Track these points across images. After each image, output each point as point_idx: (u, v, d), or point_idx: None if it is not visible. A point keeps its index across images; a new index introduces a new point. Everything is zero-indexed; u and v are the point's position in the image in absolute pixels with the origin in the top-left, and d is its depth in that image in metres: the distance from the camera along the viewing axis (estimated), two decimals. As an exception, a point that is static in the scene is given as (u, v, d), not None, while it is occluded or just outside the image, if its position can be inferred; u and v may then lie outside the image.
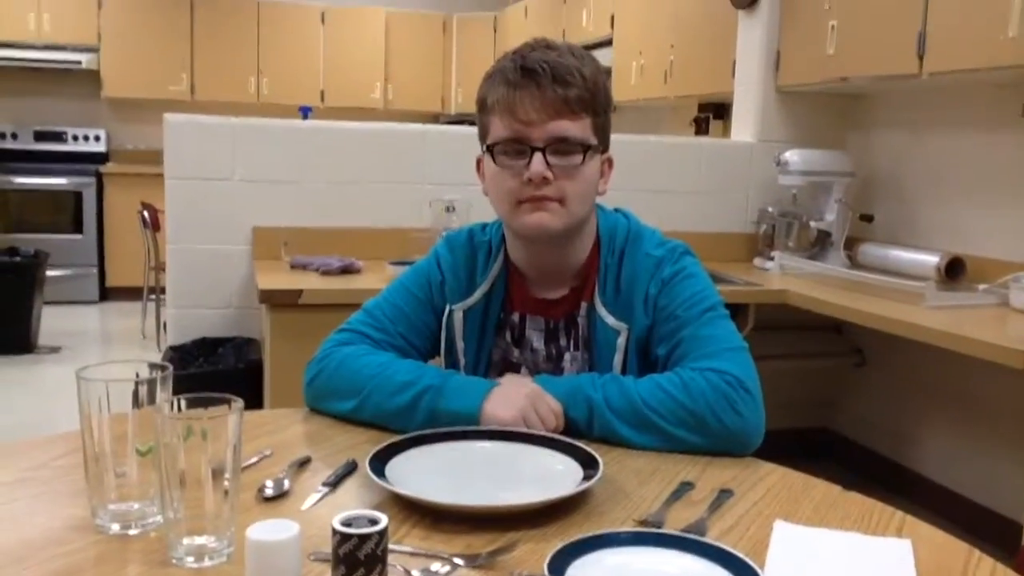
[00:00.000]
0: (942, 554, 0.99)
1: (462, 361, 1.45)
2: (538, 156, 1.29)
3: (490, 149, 1.34)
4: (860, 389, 3.71)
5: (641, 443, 1.24)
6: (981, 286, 2.90)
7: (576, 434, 1.23)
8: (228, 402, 0.92)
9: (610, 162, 1.41)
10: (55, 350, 5.31)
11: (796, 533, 1.02)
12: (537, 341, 1.45)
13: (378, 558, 0.75)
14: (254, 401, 2.63)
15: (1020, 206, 2.98)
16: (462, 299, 1.44)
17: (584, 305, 1.41)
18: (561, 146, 1.30)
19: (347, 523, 0.75)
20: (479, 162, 1.41)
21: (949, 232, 3.26)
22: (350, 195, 3.26)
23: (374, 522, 0.76)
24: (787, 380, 3.52)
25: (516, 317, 1.45)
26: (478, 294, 1.44)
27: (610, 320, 1.37)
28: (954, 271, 3.01)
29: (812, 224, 3.48)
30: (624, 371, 1.36)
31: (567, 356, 1.43)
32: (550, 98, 1.28)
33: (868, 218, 3.53)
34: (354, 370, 1.34)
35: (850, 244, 3.50)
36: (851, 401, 3.76)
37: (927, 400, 3.38)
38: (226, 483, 0.90)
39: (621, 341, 1.37)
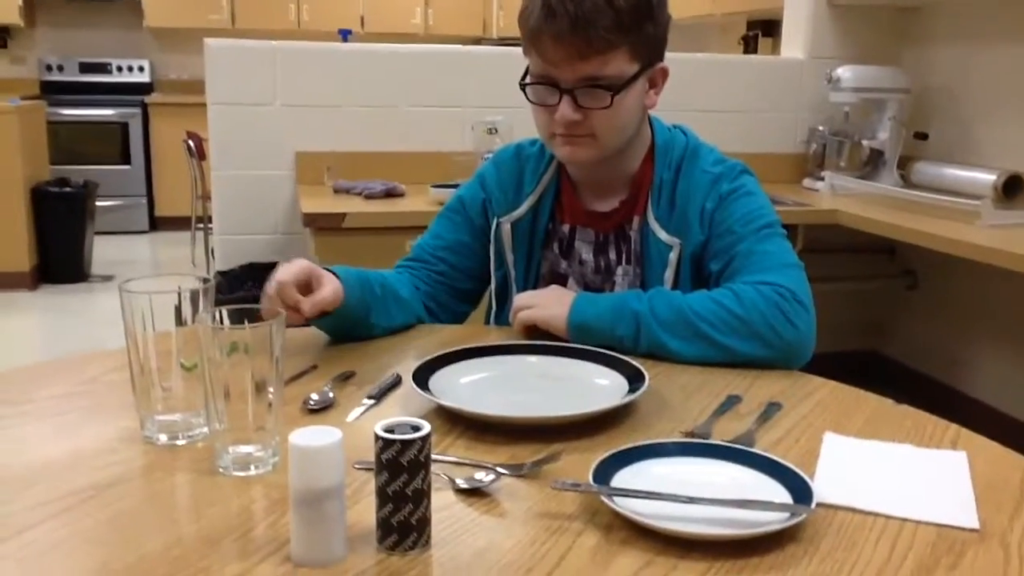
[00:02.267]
0: (998, 466, 0.97)
1: (512, 274, 1.45)
2: (566, 99, 1.27)
3: (523, 85, 1.31)
4: (912, 312, 3.64)
5: (691, 354, 1.22)
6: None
7: (623, 351, 1.21)
8: (265, 317, 0.91)
9: (663, 72, 1.35)
10: (107, 279, 5.41)
11: (847, 444, 1.00)
12: (586, 253, 1.43)
13: (421, 464, 0.74)
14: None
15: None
16: (509, 211, 1.43)
17: (636, 219, 1.39)
18: (590, 86, 1.26)
19: (390, 430, 0.75)
20: None
21: (1007, 149, 3.14)
22: (392, 119, 3.23)
23: (417, 428, 0.75)
24: (837, 302, 3.46)
25: (566, 228, 1.43)
26: (525, 206, 1.43)
27: (663, 235, 1.35)
28: (1011, 189, 2.91)
29: (864, 143, 3.38)
30: (675, 287, 1.34)
31: (619, 270, 1.41)
32: (575, 40, 1.23)
33: (923, 136, 3.41)
34: None
35: (903, 163, 3.40)
36: (903, 324, 3.69)
37: (981, 322, 3.31)
38: (270, 395, 0.90)
39: (673, 256, 1.34)
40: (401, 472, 0.74)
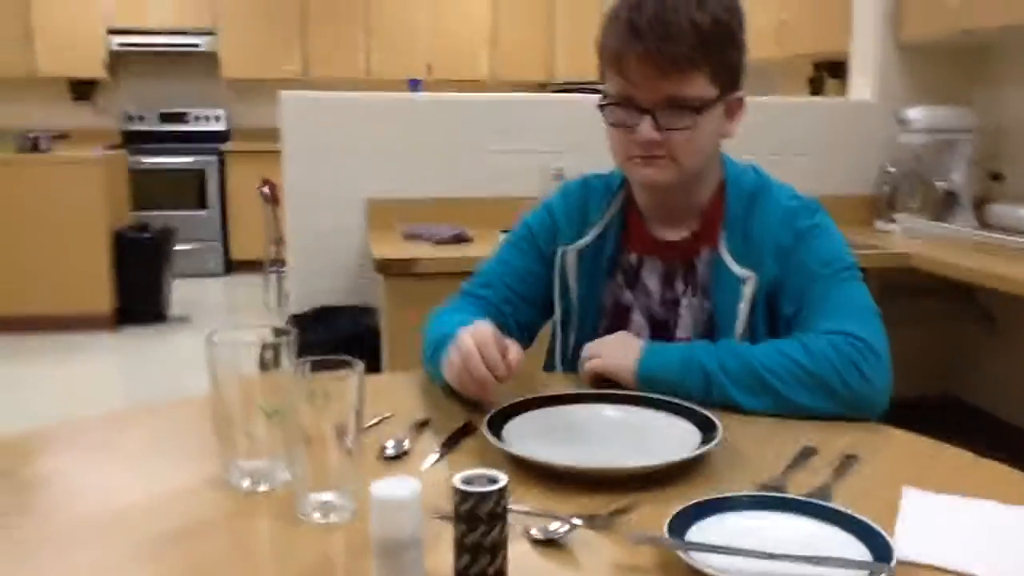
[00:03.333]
0: (1087, 524, 0.94)
1: (575, 304, 1.45)
2: (646, 120, 1.26)
3: (600, 105, 1.31)
4: (992, 355, 3.53)
5: (760, 408, 1.21)
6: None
7: (691, 401, 1.21)
8: (350, 364, 0.94)
9: (741, 102, 1.35)
10: (185, 320, 5.57)
11: (927, 500, 0.98)
12: (653, 284, 1.42)
13: (499, 516, 0.75)
14: (372, 367, 2.68)
15: None
16: (575, 240, 1.44)
17: (707, 250, 1.37)
18: (671, 107, 1.26)
19: (468, 481, 0.76)
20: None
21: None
22: (460, 165, 3.28)
23: (494, 481, 0.76)
24: (914, 347, 3.38)
25: (633, 258, 1.43)
26: (592, 234, 1.43)
27: (735, 268, 1.33)
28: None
29: (937, 184, 3.32)
30: (750, 322, 1.32)
31: (684, 302, 1.39)
32: (658, 59, 1.23)
33: (998, 176, 3.34)
34: (428, 330, 1.41)
35: (979, 205, 3.33)
36: (982, 368, 3.59)
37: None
38: (349, 442, 0.92)
39: (748, 290, 1.32)
40: (479, 524, 0.75)
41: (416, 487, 0.76)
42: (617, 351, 1.30)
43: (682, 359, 1.25)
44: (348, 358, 0.95)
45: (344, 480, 0.93)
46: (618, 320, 1.42)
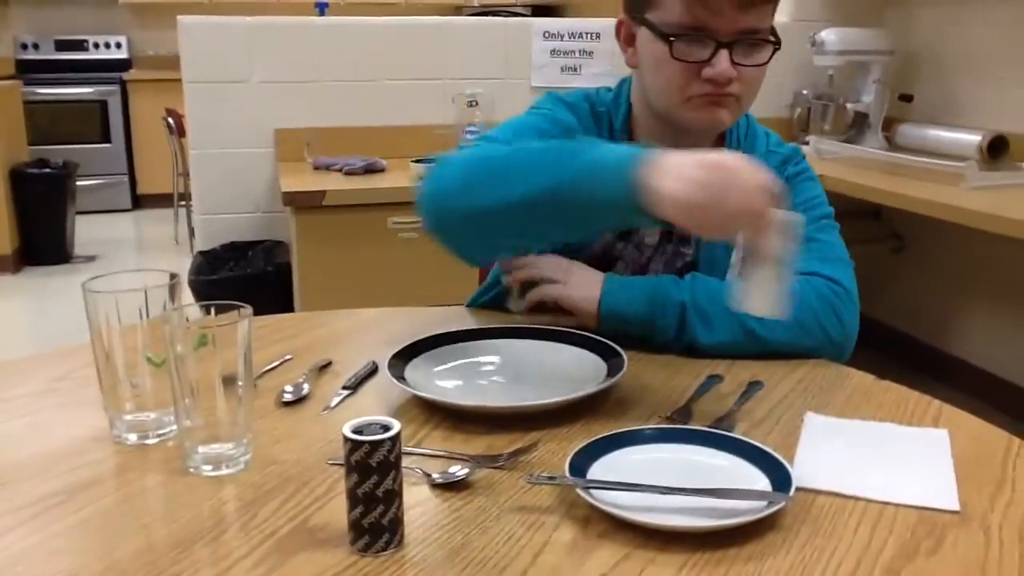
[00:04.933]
0: (980, 443, 0.96)
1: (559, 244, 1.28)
2: (724, 54, 1.13)
3: (664, 35, 1.15)
4: (899, 275, 3.63)
5: (731, 346, 1.16)
6: (1021, 164, 2.79)
7: (658, 342, 1.17)
8: (238, 309, 0.89)
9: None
10: (91, 259, 5.37)
11: (827, 425, 0.99)
12: (650, 237, 1.31)
13: (391, 464, 0.73)
14: (285, 303, 2.63)
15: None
16: None
17: None
18: (750, 41, 1.15)
19: (359, 430, 0.73)
20: (620, 25, 1.25)
21: (992, 110, 3.12)
22: (371, 93, 3.18)
23: (387, 428, 0.73)
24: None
25: None
26: None
27: None
28: (996, 150, 2.89)
29: (849, 106, 3.35)
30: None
31: (669, 248, 1.31)
32: None
33: (907, 98, 3.38)
34: (487, 157, 1.14)
35: (888, 125, 3.38)
36: (890, 287, 3.69)
37: (968, 284, 3.30)
38: (239, 390, 0.88)
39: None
40: (371, 473, 0.73)
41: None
42: (580, 281, 1.20)
43: (651, 294, 1.17)
44: (237, 303, 0.90)
45: (235, 430, 0.89)
46: (601, 267, 1.27)
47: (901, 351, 3.53)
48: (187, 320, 0.91)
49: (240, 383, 0.88)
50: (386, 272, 2.65)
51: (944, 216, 2.47)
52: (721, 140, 1.31)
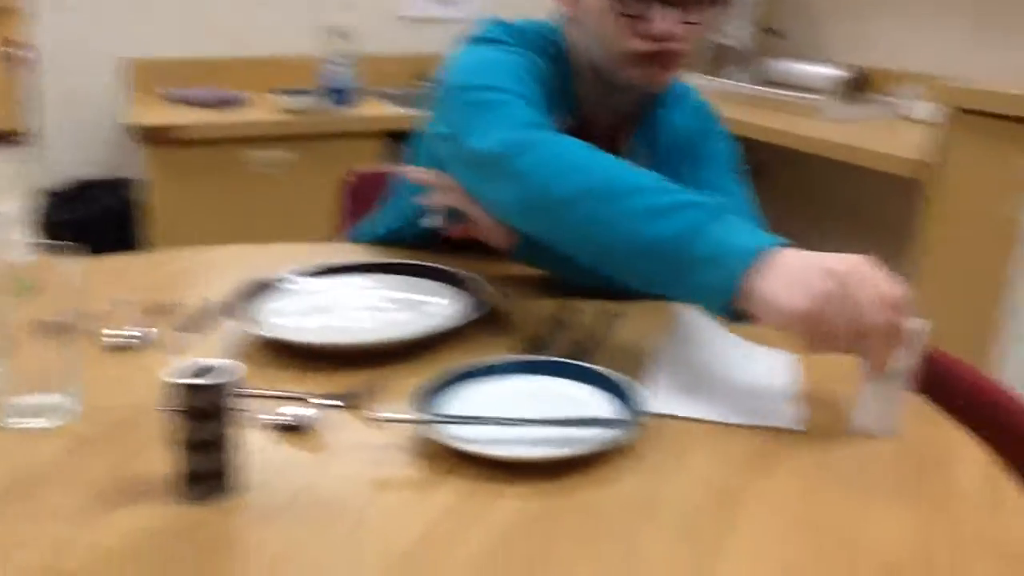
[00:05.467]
0: (829, 364, 0.98)
1: None
2: (671, 13, 1.08)
3: None
4: (767, 207, 3.72)
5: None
6: (882, 98, 2.88)
7: (571, 273, 1.10)
8: (64, 250, 0.82)
9: None
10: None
11: (682, 348, 0.99)
12: None
13: (219, 409, 0.68)
14: (137, 244, 2.50)
15: (929, 14, 2.93)
16: None
17: (623, 147, 1.24)
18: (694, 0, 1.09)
19: (186, 374, 0.68)
20: None
21: (856, 44, 3.20)
22: (227, 21, 3.01)
23: (215, 370, 0.69)
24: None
25: None
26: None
27: (643, 163, 1.14)
28: (857, 84, 2.98)
29: (720, 41, 3.39)
30: None
31: None
32: None
33: (777, 33, 3.44)
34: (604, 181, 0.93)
35: (756, 60, 3.43)
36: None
37: (821, 213, 3.42)
38: (65, 337, 0.81)
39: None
40: (198, 418, 0.68)
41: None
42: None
43: None
44: (68, 243, 0.83)
45: (59, 380, 0.82)
46: None
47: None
48: (8, 263, 0.83)
49: (66, 330, 0.81)
50: (247, 210, 2.54)
51: (798, 146, 2.54)
52: (654, 94, 1.25)
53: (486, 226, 1.14)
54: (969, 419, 0.88)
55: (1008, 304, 1.90)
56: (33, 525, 0.67)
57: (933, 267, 2.19)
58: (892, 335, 0.79)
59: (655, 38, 1.08)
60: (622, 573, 0.63)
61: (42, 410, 0.82)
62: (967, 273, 2.08)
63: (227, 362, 0.70)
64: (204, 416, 0.68)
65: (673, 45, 1.10)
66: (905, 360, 0.82)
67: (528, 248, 1.12)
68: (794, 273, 0.80)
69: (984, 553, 0.67)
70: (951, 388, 0.98)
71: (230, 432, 0.70)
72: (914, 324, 0.80)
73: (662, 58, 1.11)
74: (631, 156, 1.18)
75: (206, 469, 0.69)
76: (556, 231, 0.95)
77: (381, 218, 1.39)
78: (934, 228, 2.17)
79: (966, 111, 2.04)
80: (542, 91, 1.10)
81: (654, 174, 0.93)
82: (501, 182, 0.98)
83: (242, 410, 0.80)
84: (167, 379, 0.68)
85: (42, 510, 0.69)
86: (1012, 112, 1.92)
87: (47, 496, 0.71)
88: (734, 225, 0.86)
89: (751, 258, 0.81)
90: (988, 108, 1.98)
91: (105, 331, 0.99)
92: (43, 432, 0.81)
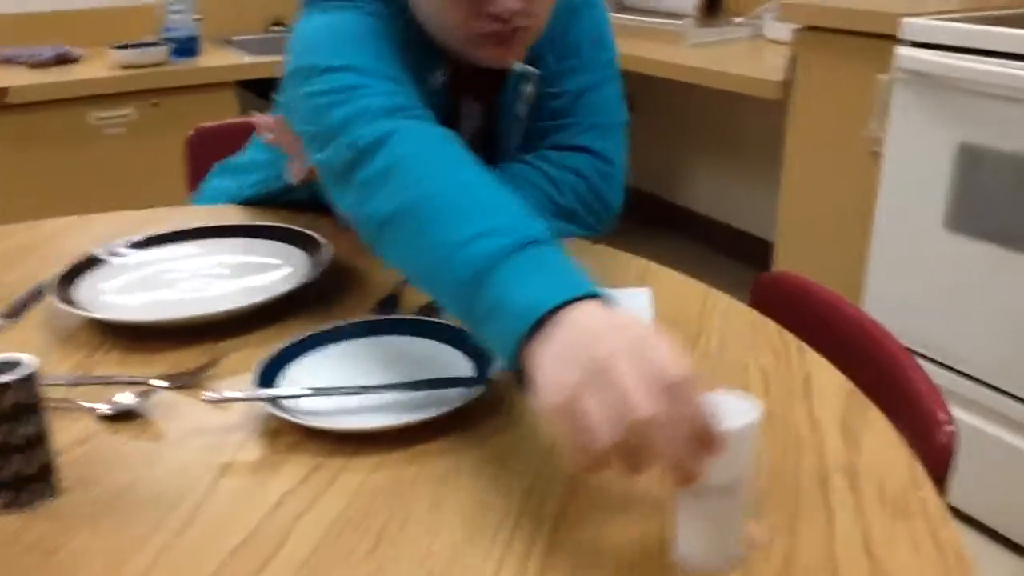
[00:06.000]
0: (679, 298, 0.98)
1: None
2: None
3: None
4: (634, 137, 3.75)
5: None
6: (738, 19, 2.90)
7: None
8: None
9: None
10: None
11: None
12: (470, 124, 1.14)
13: (27, 407, 0.62)
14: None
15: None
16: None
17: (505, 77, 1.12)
18: None
19: (-19, 372, 0.62)
20: None
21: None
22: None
23: (16, 365, 0.62)
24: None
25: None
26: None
27: (516, 65, 1.08)
28: (713, 7, 2.99)
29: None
30: (531, 123, 1.14)
31: (463, 109, 1.14)
32: None
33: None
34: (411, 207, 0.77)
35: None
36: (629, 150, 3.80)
37: (694, 139, 3.47)
38: None
39: (528, 88, 1.11)
40: (4, 420, 0.62)
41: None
42: None
43: None
44: None
45: None
46: None
47: (636, 208, 3.68)
48: None
49: None
50: (92, 176, 2.39)
51: (667, 74, 2.54)
52: None
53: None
54: (825, 344, 0.89)
55: (873, 226, 1.96)
56: None
57: (797, 190, 2.24)
58: (679, 432, 0.54)
59: (497, 17, 0.96)
60: (470, 542, 0.61)
61: None
62: (831, 194, 2.14)
63: (24, 357, 0.64)
64: (7, 418, 0.62)
65: (519, 22, 0.97)
66: (726, 470, 0.56)
67: None
68: (568, 347, 0.59)
69: (841, 480, 0.68)
70: (807, 312, 0.99)
71: (41, 431, 0.64)
72: (737, 421, 0.55)
73: (507, 37, 0.98)
74: (517, 83, 1.10)
75: (14, 474, 0.63)
76: (381, 251, 0.81)
77: (243, 178, 1.30)
78: (796, 150, 2.21)
79: (816, 28, 2.07)
80: (399, 55, 0.95)
81: (488, 177, 0.78)
82: (340, 191, 0.86)
83: (57, 404, 0.74)
84: (-42, 382, 0.61)
85: None
86: (862, 28, 1.95)
87: None
88: (532, 266, 0.67)
89: (531, 318, 0.62)
90: (838, 25, 2.01)
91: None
92: None
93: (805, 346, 0.88)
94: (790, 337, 0.90)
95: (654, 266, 1.06)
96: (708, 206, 3.42)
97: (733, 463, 0.56)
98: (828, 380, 0.82)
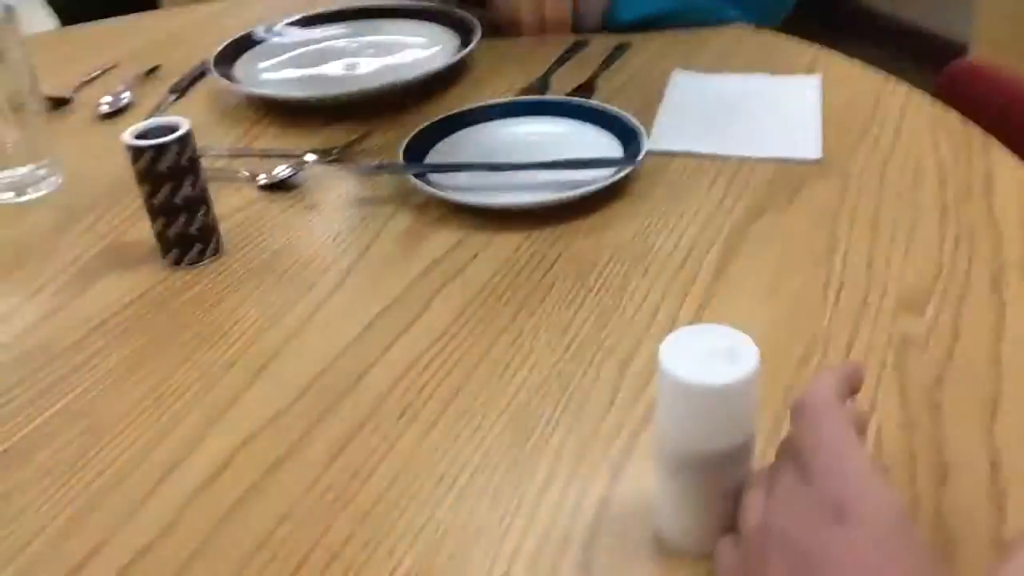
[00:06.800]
0: (854, 88, 0.90)
1: None
2: None
3: None
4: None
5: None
6: None
7: None
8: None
9: None
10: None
11: (694, 81, 0.92)
12: None
13: (185, 169, 0.65)
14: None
15: None
16: None
17: None
18: None
19: (142, 135, 0.64)
20: None
21: None
22: None
23: (173, 129, 0.64)
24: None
25: None
26: None
27: None
28: None
29: None
30: None
31: None
32: None
33: None
34: None
35: None
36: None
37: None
38: (29, 107, 0.78)
39: None
40: (164, 181, 0.65)
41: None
42: None
43: None
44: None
45: (29, 152, 0.79)
46: None
47: (809, 4, 3.40)
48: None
49: (27, 99, 0.77)
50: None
51: None
52: None
53: None
54: (1017, 139, 0.80)
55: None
56: (10, 300, 0.67)
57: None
58: None
59: None
60: (605, 324, 0.60)
61: (20, 185, 0.79)
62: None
63: (180, 120, 0.65)
64: (166, 178, 0.64)
65: None
66: (716, 435, 0.40)
67: None
68: None
69: (1017, 278, 0.62)
70: (996, 105, 0.89)
71: (200, 192, 0.66)
72: (723, 372, 0.39)
73: None
74: None
75: (180, 232, 0.67)
76: None
77: None
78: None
79: None
80: None
81: None
82: None
83: (218, 174, 0.77)
84: (124, 140, 0.64)
85: (23, 285, 0.68)
86: None
87: (29, 270, 0.70)
88: None
89: None
90: None
91: (102, 100, 0.95)
92: (26, 206, 0.79)
93: (993, 140, 0.80)
94: (976, 130, 0.81)
95: (826, 52, 0.97)
96: (892, 4, 3.13)
97: (721, 427, 0.40)
98: (1013, 175, 0.74)
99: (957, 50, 2.25)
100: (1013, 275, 0.62)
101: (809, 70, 0.93)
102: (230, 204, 0.75)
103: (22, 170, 0.79)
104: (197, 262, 0.68)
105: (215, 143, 0.86)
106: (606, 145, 0.78)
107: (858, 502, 0.35)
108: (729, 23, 1.04)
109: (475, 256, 0.67)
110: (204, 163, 0.73)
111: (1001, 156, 0.77)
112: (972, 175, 0.74)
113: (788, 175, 0.76)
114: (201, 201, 0.67)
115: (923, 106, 0.86)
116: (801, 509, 0.36)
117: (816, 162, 0.77)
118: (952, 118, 0.83)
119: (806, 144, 0.79)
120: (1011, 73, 0.91)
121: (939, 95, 0.91)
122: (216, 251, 0.69)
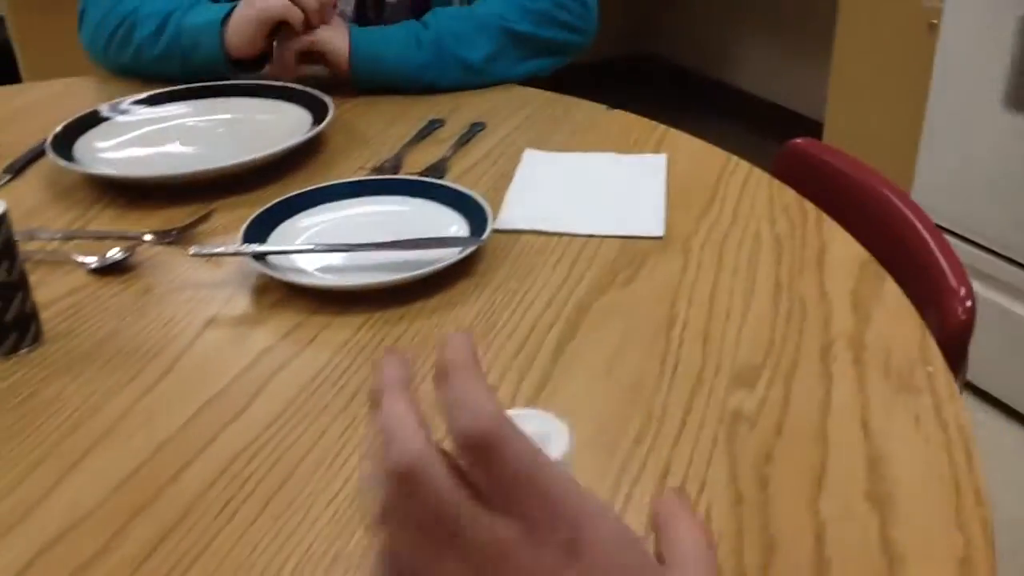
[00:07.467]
0: (699, 164, 0.93)
1: None
2: None
3: None
4: (683, 8, 3.59)
5: (499, 53, 1.12)
6: None
7: (418, 83, 1.09)
8: None
9: None
10: None
11: (545, 160, 0.93)
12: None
13: (0, 254, 0.61)
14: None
15: None
16: None
17: None
18: None
19: (-51, 217, 0.61)
20: None
21: None
22: None
23: (-14, 212, 0.61)
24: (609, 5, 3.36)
25: None
26: None
27: None
28: None
29: None
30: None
31: None
32: None
33: None
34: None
35: None
36: (675, 23, 3.65)
37: (740, 12, 3.31)
38: None
39: None
40: (-26, 265, 0.61)
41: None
42: (327, 31, 1.07)
43: (399, 32, 1.09)
44: None
45: None
46: None
47: (685, 85, 3.56)
48: None
49: None
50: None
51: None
52: None
53: (322, 42, 1.07)
54: (848, 215, 0.84)
55: (928, 104, 1.85)
56: None
57: (848, 65, 2.13)
58: None
59: None
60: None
61: None
62: (885, 70, 2.02)
63: (-2, 202, 0.62)
64: (-19, 264, 0.61)
65: None
66: None
67: (366, 61, 1.08)
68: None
69: (845, 351, 0.64)
70: (829, 182, 0.93)
71: (16, 279, 0.63)
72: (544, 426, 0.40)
73: None
74: None
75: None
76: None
77: None
78: (849, 22, 2.09)
79: None
80: None
81: None
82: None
83: (49, 257, 0.73)
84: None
85: None
86: None
87: None
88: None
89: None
90: None
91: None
92: None
93: (825, 216, 0.83)
94: (810, 206, 0.85)
95: (674, 132, 1.01)
96: (754, 83, 3.29)
97: None
98: (845, 251, 0.77)
99: (815, 125, 2.38)
100: (841, 347, 0.64)
101: (656, 148, 0.96)
102: (57, 289, 0.72)
103: None
104: (13, 352, 0.64)
105: (48, 225, 0.82)
106: (454, 224, 0.78)
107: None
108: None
109: (312, 340, 0.66)
110: (32, 247, 0.69)
111: (833, 231, 0.80)
112: (806, 250, 0.77)
113: (632, 252, 0.77)
114: (18, 287, 0.63)
115: (762, 183, 0.89)
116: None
117: (659, 239, 0.79)
118: (789, 194, 0.87)
119: (650, 222, 0.81)
120: (841, 151, 0.96)
121: (776, 172, 0.95)
122: (35, 339, 0.65)
